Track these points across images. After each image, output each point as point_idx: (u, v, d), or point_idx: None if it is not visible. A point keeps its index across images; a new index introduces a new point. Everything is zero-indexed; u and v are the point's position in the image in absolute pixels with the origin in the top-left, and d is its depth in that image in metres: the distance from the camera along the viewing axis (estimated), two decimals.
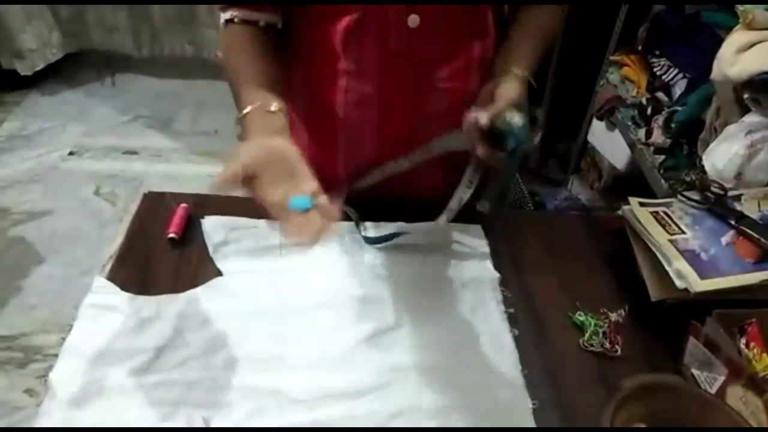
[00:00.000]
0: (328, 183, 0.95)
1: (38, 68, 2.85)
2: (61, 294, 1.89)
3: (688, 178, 1.28)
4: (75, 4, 2.87)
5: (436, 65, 0.88)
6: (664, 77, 1.72)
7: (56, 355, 0.74)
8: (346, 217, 0.95)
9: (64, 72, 3.00)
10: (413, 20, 0.83)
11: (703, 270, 0.80)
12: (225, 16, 0.87)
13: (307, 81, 0.95)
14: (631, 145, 1.81)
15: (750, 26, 1.24)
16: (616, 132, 1.92)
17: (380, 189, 0.93)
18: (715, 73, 1.26)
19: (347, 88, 0.90)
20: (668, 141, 1.64)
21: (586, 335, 0.82)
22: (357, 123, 0.93)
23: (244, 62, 0.84)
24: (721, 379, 0.72)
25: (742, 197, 0.92)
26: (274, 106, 0.76)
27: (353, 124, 0.94)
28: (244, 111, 0.75)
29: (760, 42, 1.21)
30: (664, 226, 0.87)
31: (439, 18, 0.84)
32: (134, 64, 3.11)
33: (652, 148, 1.70)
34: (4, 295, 1.92)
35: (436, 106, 0.91)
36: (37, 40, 2.80)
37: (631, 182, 1.87)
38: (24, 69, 2.82)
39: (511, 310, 0.85)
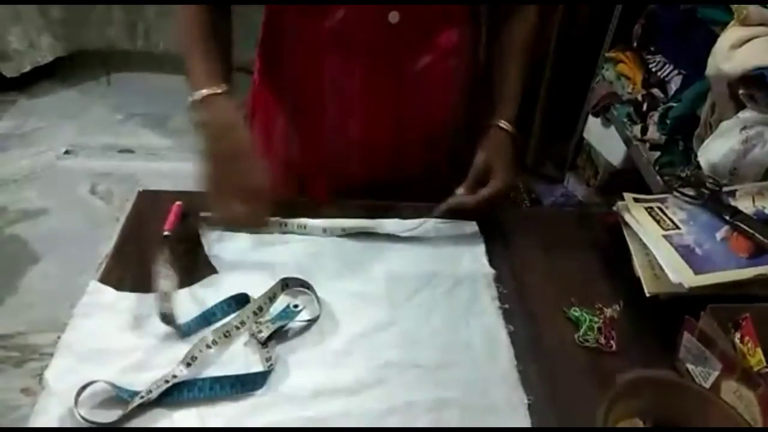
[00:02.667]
0: (314, 166, 1.06)
1: (24, 70, 2.82)
2: (57, 293, 1.88)
3: (683, 174, 1.28)
4: (73, 4, 2.86)
5: (417, 54, 0.94)
6: (659, 73, 1.72)
7: (52, 354, 0.73)
8: (341, 214, 0.96)
9: (59, 71, 2.99)
10: (393, 16, 0.89)
11: (697, 265, 0.80)
12: None
13: (291, 63, 0.99)
14: (627, 142, 1.81)
15: (744, 22, 1.24)
16: (612, 129, 1.92)
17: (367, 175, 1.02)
18: (710, 68, 1.26)
19: (332, 74, 0.95)
20: (664, 137, 1.65)
21: (581, 331, 0.82)
22: (342, 106, 0.98)
23: (194, 42, 0.91)
24: (716, 373, 0.72)
25: (737, 193, 0.92)
26: (223, 88, 0.86)
27: (338, 107, 0.98)
28: (198, 94, 0.85)
29: (755, 38, 1.21)
30: (658, 222, 0.88)
31: (418, 12, 0.90)
32: (129, 63, 3.10)
33: (647, 145, 1.71)
34: (0, 294, 1.91)
35: (418, 89, 0.97)
36: (24, 42, 2.77)
37: (627, 179, 1.87)
38: (9, 71, 2.79)
39: (506, 306, 0.85)
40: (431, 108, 1.01)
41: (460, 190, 0.93)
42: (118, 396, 0.68)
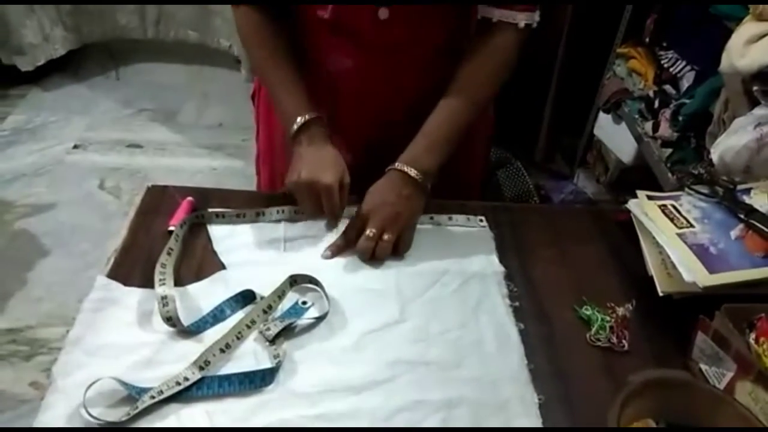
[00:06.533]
0: None
1: (39, 63, 2.82)
2: (66, 287, 1.89)
3: (695, 172, 1.27)
4: (79, 3, 2.85)
5: (406, 48, 0.96)
6: (671, 69, 1.70)
7: (61, 349, 0.73)
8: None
9: (68, 66, 2.99)
10: (383, 13, 0.91)
11: (711, 264, 0.79)
12: None
13: (297, 45, 1.01)
14: (638, 139, 1.79)
15: (760, 17, 1.22)
16: (623, 125, 1.90)
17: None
18: (724, 64, 1.24)
19: (327, 55, 0.99)
20: (675, 134, 1.63)
21: (593, 330, 0.81)
22: (335, 85, 1.01)
23: (272, 59, 0.97)
24: (730, 374, 0.71)
25: (752, 191, 0.91)
26: (313, 113, 0.93)
27: (332, 85, 1.01)
28: (296, 124, 0.92)
29: None
30: (672, 220, 0.86)
31: (407, 10, 0.92)
32: (138, 57, 3.10)
33: (659, 142, 1.69)
34: (10, 288, 1.92)
35: (408, 77, 1.00)
36: (38, 36, 2.77)
37: (638, 176, 1.85)
38: (24, 64, 2.79)
39: (517, 304, 0.85)
40: (420, 93, 1.00)
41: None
42: (127, 393, 0.68)
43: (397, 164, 0.91)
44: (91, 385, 0.67)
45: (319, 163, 0.91)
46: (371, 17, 0.91)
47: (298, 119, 0.92)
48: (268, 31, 0.97)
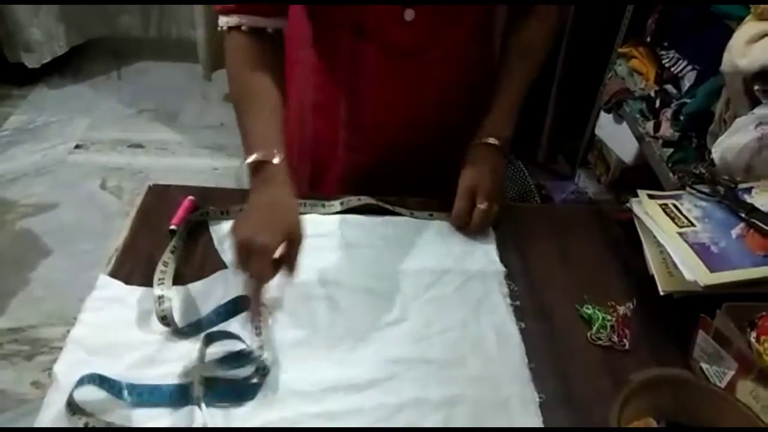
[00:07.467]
0: (329, 147, 1.06)
1: (45, 61, 2.84)
2: (67, 287, 1.90)
3: (696, 171, 1.27)
4: (80, 3, 2.86)
5: (429, 47, 0.96)
6: (672, 69, 1.70)
7: (62, 348, 0.73)
8: (349, 210, 0.95)
9: (70, 66, 3.00)
10: (409, 14, 0.90)
11: (712, 263, 0.79)
12: (229, 22, 0.89)
13: (313, 47, 1.00)
14: (639, 138, 1.79)
15: (761, 17, 1.22)
16: (624, 125, 1.90)
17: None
18: (725, 64, 1.24)
19: (347, 55, 0.96)
20: (677, 134, 1.63)
21: (594, 329, 0.81)
22: (355, 87, 1.00)
23: (255, 98, 0.87)
24: (731, 373, 0.71)
25: (753, 190, 0.91)
26: (279, 158, 0.80)
27: (351, 87, 1.00)
28: (255, 159, 0.80)
29: None
30: (673, 219, 0.86)
31: (432, 10, 0.91)
32: (141, 54, 3.11)
33: (660, 141, 1.69)
34: (11, 287, 1.93)
35: (430, 77, 0.99)
36: (45, 33, 2.79)
37: (639, 175, 1.85)
38: (31, 62, 2.81)
39: (518, 303, 0.85)
40: (444, 93, 1.01)
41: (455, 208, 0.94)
42: (119, 393, 0.68)
43: (483, 138, 0.96)
44: (80, 382, 0.67)
45: (266, 217, 0.77)
46: (397, 19, 0.90)
47: (250, 158, 0.80)
48: (260, 55, 0.89)
